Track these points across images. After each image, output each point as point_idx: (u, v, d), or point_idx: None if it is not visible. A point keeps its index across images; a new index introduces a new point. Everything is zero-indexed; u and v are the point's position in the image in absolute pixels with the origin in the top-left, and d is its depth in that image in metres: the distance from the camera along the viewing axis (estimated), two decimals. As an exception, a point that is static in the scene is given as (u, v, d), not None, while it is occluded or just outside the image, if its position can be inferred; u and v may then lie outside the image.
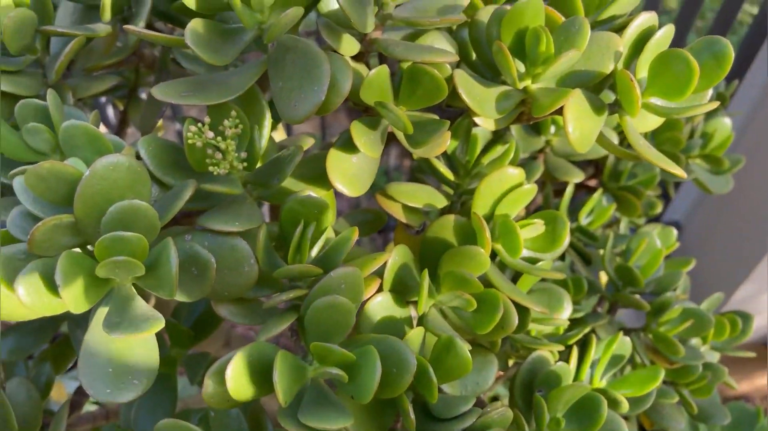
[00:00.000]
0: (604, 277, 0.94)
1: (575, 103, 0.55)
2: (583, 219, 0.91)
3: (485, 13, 0.61)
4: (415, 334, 0.56)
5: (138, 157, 0.57)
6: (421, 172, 0.78)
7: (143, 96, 0.96)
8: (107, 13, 0.60)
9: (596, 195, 0.89)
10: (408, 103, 0.56)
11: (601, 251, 0.85)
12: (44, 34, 0.61)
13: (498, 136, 0.69)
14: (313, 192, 0.58)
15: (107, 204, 0.48)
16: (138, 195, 0.49)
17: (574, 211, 0.93)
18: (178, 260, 0.45)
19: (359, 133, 0.55)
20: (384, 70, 0.54)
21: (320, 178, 0.60)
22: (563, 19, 0.57)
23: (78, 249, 0.47)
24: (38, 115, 0.59)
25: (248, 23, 0.50)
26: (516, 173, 0.63)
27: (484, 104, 0.56)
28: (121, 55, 0.66)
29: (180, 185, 0.54)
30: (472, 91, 0.55)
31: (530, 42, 0.55)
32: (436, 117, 0.57)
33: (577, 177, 0.89)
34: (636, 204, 0.92)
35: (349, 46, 0.57)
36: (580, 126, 0.56)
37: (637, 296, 0.82)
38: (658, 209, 0.96)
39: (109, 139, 0.53)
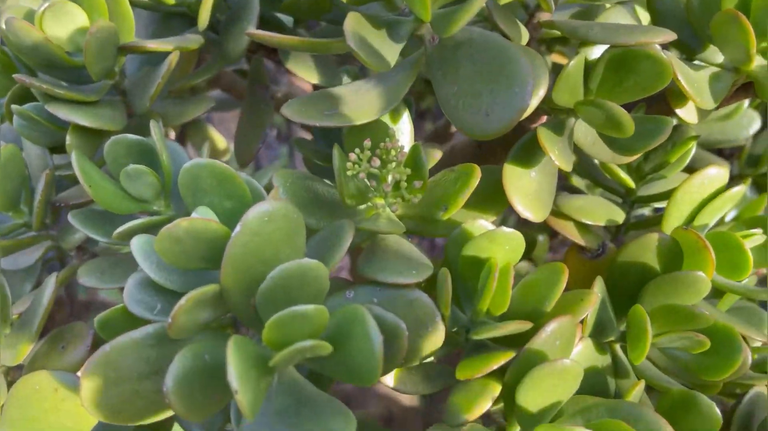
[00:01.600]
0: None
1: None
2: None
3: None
4: (637, 390, 0.45)
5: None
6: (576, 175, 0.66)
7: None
8: (205, 20, 0.49)
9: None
10: (609, 96, 0.44)
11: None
12: (128, 51, 0.49)
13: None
14: (482, 219, 0.47)
15: (262, 265, 0.36)
16: (295, 249, 0.38)
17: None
18: (381, 338, 0.33)
19: (550, 141, 0.43)
20: (582, 61, 0.42)
21: (488, 201, 0.49)
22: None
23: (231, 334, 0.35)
24: (133, 153, 0.47)
25: (423, 12, 0.38)
26: (721, 173, 0.51)
27: (702, 91, 0.44)
28: (212, 70, 0.54)
29: (333, 228, 0.42)
30: (689, 76, 0.43)
31: (761, 8, 0.43)
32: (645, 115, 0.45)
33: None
34: (782, 192, 0.80)
35: (523, 33, 0.45)
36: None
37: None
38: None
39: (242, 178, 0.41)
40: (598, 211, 0.53)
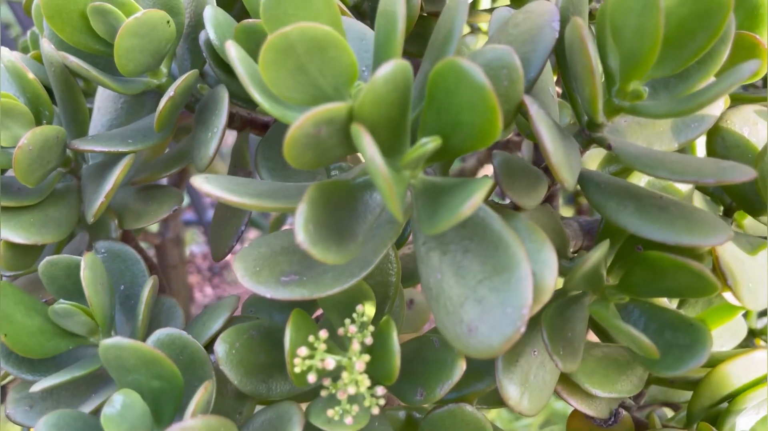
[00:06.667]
0: None
1: None
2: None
3: (739, 117, 0.40)
4: None
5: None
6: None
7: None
8: (162, 124, 0.41)
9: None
10: (637, 292, 0.35)
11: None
12: (78, 152, 0.43)
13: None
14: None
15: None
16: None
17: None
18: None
19: (554, 337, 0.35)
20: (603, 253, 0.33)
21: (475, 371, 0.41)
22: None
23: None
24: (72, 275, 0.41)
25: (396, 213, 0.29)
26: (763, 358, 0.42)
27: (757, 294, 0.35)
28: (179, 163, 0.47)
29: (278, 414, 0.36)
30: (742, 276, 0.35)
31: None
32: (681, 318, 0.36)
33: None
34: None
35: (537, 194, 0.36)
36: None
37: None
38: None
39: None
40: (614, 377, 0.44)
